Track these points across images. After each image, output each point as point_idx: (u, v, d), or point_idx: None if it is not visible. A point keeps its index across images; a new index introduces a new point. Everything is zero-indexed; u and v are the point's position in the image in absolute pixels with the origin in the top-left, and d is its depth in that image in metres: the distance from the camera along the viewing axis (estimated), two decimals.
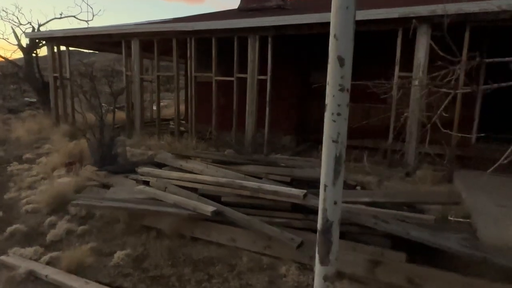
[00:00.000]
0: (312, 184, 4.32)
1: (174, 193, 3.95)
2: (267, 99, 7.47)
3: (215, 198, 3.94)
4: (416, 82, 6.15)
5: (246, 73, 7.58)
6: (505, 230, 3.74)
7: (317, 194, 1.48)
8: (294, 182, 4.29)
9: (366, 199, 3.69)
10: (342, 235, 3.48)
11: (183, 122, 10.84)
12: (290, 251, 3.16)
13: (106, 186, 4.93)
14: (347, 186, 4.30)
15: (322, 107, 1.28)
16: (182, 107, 11.68)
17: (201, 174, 4.30)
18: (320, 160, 1.35)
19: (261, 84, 7.65)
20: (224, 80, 8.03)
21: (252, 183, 3.79)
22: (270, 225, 3.43)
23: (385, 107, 9.30)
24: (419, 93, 6.15)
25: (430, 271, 2.79)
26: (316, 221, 3.26)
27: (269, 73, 7.36)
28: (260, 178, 4.27)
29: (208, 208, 3.52)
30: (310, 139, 9.91)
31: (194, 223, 3.71)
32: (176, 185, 4.13)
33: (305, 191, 3.46)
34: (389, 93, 4.13)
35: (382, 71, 6.45)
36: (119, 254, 3.38)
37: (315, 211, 3.61)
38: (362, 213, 3.25)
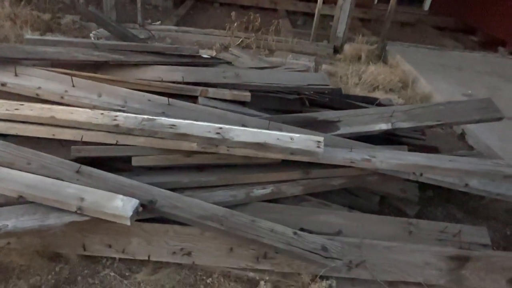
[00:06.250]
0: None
1: (10, 164, 1.64)
2: None
3: (110, 161, 1.85)
4: None
5: None
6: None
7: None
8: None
9: (384, 126, 2.27)
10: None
11: None
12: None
13: None
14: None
15: None
16: None
17: (64, 104, 1.95)
18: None
19: None
20: None
21: (200, 126, 1.80)
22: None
23: None
24: None
25: None
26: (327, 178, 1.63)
27: None
28: (195, 97, 2.23)
29: (119, 205, 1.49)
30: None
31: (84, 226, 1.67)
32: (6, 137, 1.77)
33: (320, 139, 1.75)
34: None
35: None
36: None
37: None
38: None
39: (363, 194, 2.28)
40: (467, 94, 3.81)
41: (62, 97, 1.93)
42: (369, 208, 2.21)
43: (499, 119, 2.41)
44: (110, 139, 1.81)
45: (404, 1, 8.25)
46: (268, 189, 1.89)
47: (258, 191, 1.88)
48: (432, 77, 4.13)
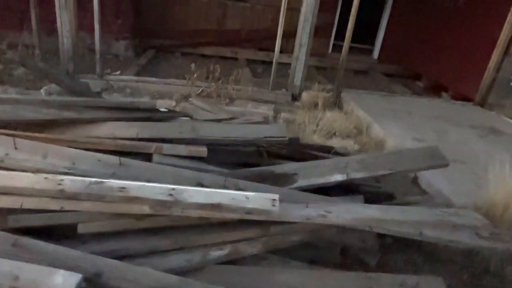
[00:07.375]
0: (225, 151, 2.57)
1: None
2: None
3: (54, 229, 1.72)
4: None
5: None
6: (461, 185, 3.19)
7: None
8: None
9: (339, 177, 2.32)
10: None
11: None
12: None
13: None
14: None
15: None
16: None
17: (4, 168, 1.82)
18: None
19: None
20: None
21: (151, 187, 1.74)
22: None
23: (244, 6, 7.61)
24: None
25: None
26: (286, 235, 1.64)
27: None
28: (150, 154, 2.18)
29: (59, 283, 1.36)
30: (151, 46, 7.40)
31: None
32: None
33: (276, 197, 1.75)
34: None
35: None
36: None
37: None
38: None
39: (324, 246, 2.26)
40: (417, 138, 4.04)
41: (1, 161, 1.81)
42: (330, 259, 2.19)
43: (445, 165, 2.55)
44: (54, 205, 1.69)
45: (355, 50, 8.88)
46: (225, 250, 1.82)
47: (215, 253, 1.80)
48: (385, 122, 4.36)
